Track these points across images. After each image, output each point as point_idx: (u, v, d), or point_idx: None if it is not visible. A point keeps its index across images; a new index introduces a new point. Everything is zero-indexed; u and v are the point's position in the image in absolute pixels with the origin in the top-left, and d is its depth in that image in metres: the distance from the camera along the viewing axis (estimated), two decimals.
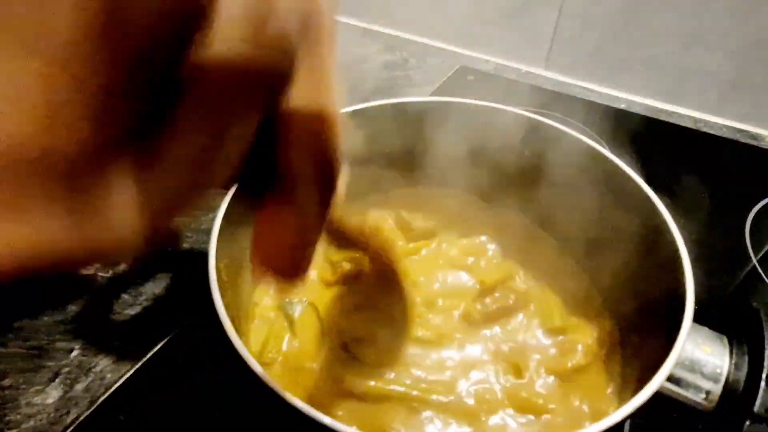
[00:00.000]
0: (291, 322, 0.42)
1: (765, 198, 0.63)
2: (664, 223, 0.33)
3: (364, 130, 0.45)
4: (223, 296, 0.30)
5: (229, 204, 0.36)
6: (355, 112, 0.44)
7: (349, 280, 0.44)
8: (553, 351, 0.38)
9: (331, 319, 0.42)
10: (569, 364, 0.36)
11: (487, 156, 0.47)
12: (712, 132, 0.73)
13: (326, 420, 0.23)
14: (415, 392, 0.36)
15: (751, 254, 0.56)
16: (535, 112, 0.44)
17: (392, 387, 0.36)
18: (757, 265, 0.54)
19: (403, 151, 0.48)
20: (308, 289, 0.44)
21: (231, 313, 0.29)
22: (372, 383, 0.36)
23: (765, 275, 0.53)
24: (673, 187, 0.57)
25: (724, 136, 0.73)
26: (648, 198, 0.35)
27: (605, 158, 0.39)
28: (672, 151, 0.70)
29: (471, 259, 0.45)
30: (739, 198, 0.63)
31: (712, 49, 0.72)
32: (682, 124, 0.75)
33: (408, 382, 0.37)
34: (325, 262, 0.45)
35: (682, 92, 0.76)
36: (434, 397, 0.36)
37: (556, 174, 0.43)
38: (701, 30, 0.71)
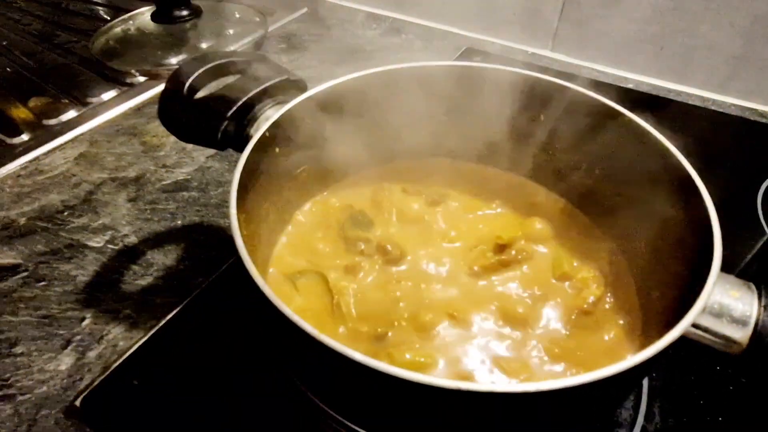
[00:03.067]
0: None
1: None
2: (682, 169, 0.33)
3: (360, 99, 0.44)
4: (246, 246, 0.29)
5: (244, 166, 0.36)
6: (348, 81, 0.42)
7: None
8: (570, 291, 0.39)
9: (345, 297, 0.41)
10: (588, 300, 0.37)
11: (486, 119, 0.46)
12: (720, 110, 0.73)
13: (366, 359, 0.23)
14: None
15: (765, 228, 0.56)
16: None
17: None
18: None
19: (400, 119, 0.47)
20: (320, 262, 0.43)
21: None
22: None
23: None
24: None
25: (733, 113, 0.73)
26: (663, 145, 0.35)
27: (608, 107, 0.39)
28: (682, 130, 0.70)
29: (480, 214, 0.46)
30: (749, 175, 0.62)
31: (719, 26, 0.71)
32: (691, 102, 0.74)
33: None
34: (338, 238, 0.45)
35: (689, 71, 0.76)
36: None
37: (563, 130, 0.43)
38: (709, 7, 0.71)
